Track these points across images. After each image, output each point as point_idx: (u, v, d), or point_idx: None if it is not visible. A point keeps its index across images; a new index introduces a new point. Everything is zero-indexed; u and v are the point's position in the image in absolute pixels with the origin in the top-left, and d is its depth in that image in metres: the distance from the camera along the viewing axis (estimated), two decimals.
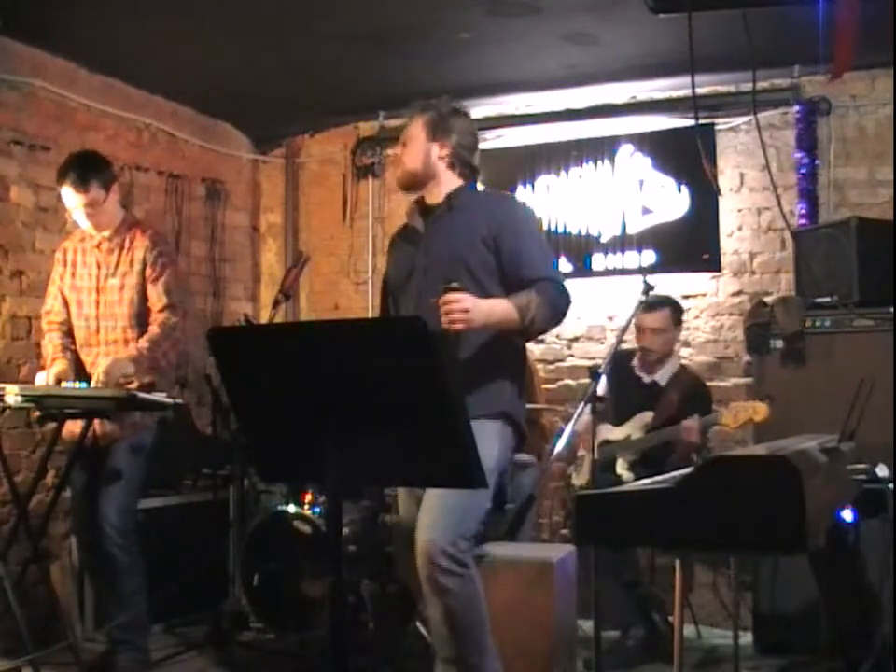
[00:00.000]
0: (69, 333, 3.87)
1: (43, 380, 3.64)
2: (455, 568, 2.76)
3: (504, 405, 2.97)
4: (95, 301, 3.81)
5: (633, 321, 3.94)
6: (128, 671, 3.73)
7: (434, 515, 2.81)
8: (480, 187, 3.26)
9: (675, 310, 4.46)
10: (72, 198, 3.74)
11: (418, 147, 3.09)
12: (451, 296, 2.74)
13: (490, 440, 2.86)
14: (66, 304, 3.87)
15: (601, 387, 3.59)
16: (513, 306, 2.84)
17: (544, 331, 3.05)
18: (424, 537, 2.80)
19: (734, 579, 3.82)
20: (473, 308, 2.74)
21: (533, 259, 2.95)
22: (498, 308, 2.84)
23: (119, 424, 3.70)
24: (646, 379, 4.48)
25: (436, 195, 3.09)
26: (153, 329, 3.72)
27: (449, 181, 3.09)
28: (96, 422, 3.67)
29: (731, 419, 4.02)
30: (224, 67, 4.97)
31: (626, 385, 4.47)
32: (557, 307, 2.93)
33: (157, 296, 3.75)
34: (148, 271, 3.76)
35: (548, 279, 2.92)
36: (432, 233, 3.06)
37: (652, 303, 4.28)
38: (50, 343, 3.88)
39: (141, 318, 3.77)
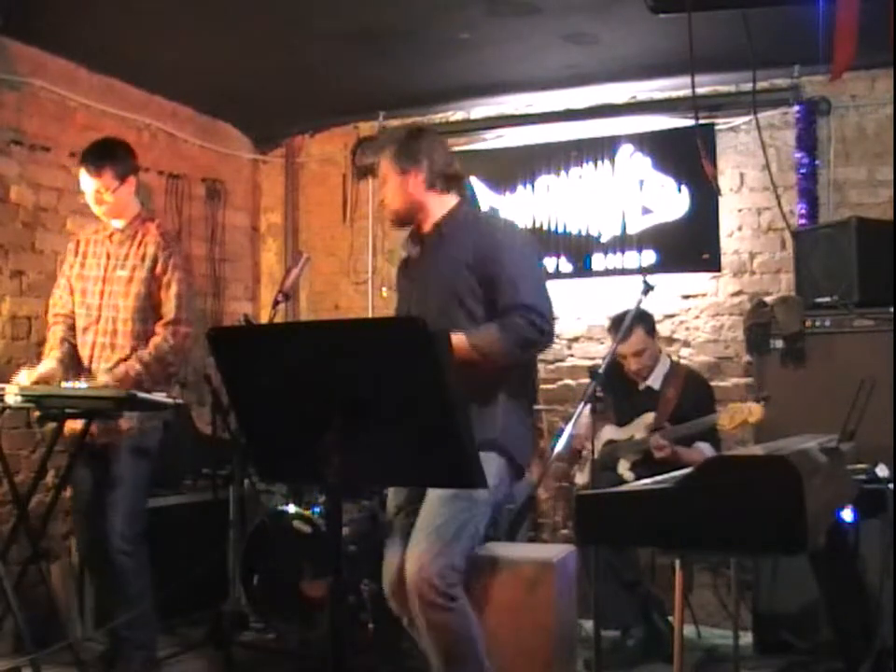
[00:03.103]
0: (73, 326, 3.86)
1: (24, 379, 3.60)
2: (444, 602, 2.75)
3: (495, 433, 2.88)
4: (100, 290, 3.79)
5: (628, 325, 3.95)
6: (134, 670, 3.73)
7: (423, 546, 2.78)
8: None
9: (645, 323, 4.39)
10: (85, 181, 3.75)
11: (394, 185, 3.06)
12: None
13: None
14: (72, 293, 3.87)
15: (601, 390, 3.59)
16: (468, 342, 2.78)
17: (511, 362, 2.91)
18: (413, 568, 2.77)
19: (734, 579, 3.82)
20: None
21: (511, 286, 2.87)
22: (455, 347, 2.66)
23: (122, 426, 3.69)
24: (641, 386, 4.49)
25: (428, 223, 3.07)
26: (150, 346, 3.69)
27: (436, 204, 3.06)
28: (97, 424, 3.67)
29: (727, 420, 4.02)
30: (224, 67, 4.97)
31: (623, 390, 4.47)
32: (523, 337, 2.83)
33: (167, 307, 3.73)
34: (159, 269, 3.74)
35: (522, 307, 2.83)
36: (424, 263, 3.06)
37: (624, 330, 4.31)
38: (52, 335, 3.88)
39: (145, 314, 3.75)
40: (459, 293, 2.93)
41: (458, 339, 2.77)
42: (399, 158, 3.04)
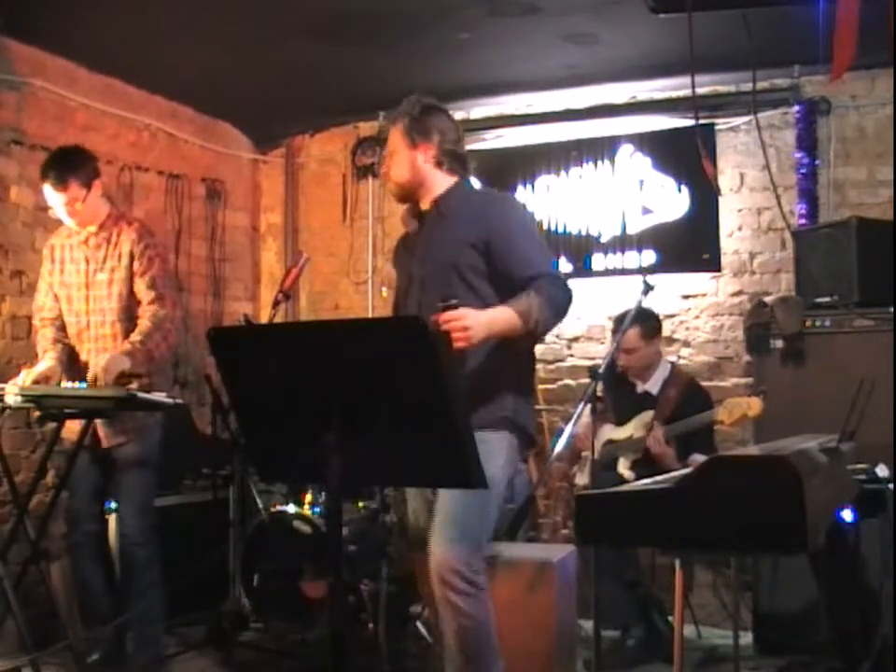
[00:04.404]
0: (63, 328, 3.85)
1: (23, 379, 3.59)
2: (469, 589, 2.75)
3: (507, 411, 2.92)
4: (84, 296, 3.79)
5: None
6: (142, 663, 3.74)
7: (449, 532, 2.77)
8: (474, 181, 3.21)
9: (643, 325, 4.33)
10: (52, 196, 3.72)
11: (402, 158, 3.04)
12: (449, 314, 2.65)
13: (494, 453, 2.83)
14: (57, 300, 3.86)
15: (600, 388, 3.59)
16: (514, 312, 2.77)
17: (550, 330, 2.99)
18: (439, 554, 2.77)
19: (734, 579, 3.82)
20: (473, 324, 2.66)
21: (526, 258, 2.88)
22: (499, 318, 2.76)
23: (124, 427, 3.69)
24: (639, 388, 4.48)
25: (427, 199, 3.06)
26: (143, 322, 3.69)
27: (440, 181, 3.04)
28: (100, 427, 3.68)
29: (726, 416, 4.00)
30: (224, 67, 4.97)
31: (622, 390, 4.46)
32: (559, 304, 2.85)
33: (144, 289, 3.72)
34: (136, 264, 3.73)
35: (544, 275, 2.85)
36: (424, 241, 3.04)
37: (622, 328, 4.31)
38: (43, 337, 3.87)
39: (130, 312, 3.75)
40: (462, 271, 2.92)
41: (503, 310, 2.78)
42: (412, 130, 3.02)
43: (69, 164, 3.72)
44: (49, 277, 3.88)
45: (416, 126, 3.03)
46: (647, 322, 4.38)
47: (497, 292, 2.92)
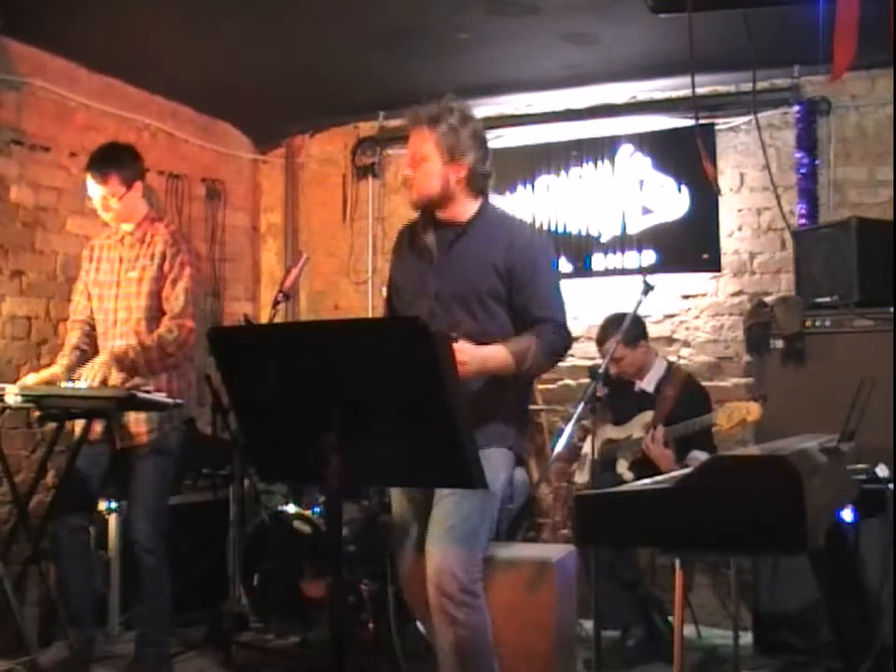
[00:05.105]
0: (89, 331, 3.88)
1: (30, 380, 3.63)
2: (467, 599, 2.75)
3: (510, 441, 2.98)
4: (115, 294, 3.81)
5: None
6: (147, 664, 3.74)
7: (446, 540, 2.77)
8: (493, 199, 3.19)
9: (626, 334, 4.03)
10: (92, 188, 3.78)
11: (433, 171, 2.93)
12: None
13: (498, 466, 2.88)
14: (90, 299, 3.89)
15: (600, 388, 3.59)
16: (510, 354, 2.81)
17: (541, 375, 3.07)
18: (437, 562, 2.77)
19: (734, 579, 3.82)
20: (469, 359, 2.70)
21: (542, 298, 2.91)
22: (494, 358, 2.80)
23: (142, 430, 3.70)
24: (636, 388, 4.48)
25: (450, 212, 3.01)
26: (153, 336, 3.68)
27: (465, 201, 3.00)
28: (116, 430, 3.69)
29: (724, 420, 4.00)
30: (224, 67, 4.97)
31: (620, 390, 4.46)
32: (555, 352, 2.93)
33: (175, 301, 3.72)
34: (167, 266, 3.74)
35: (551, 321, 2.89)
36: (446, 256, 2.99)
37: (599, 335, 4.32)
38: (67, 341, 3.91)
39: (155, 312, 3.76)
40: (482, 294, 2.92)
41: (500, 350, 2.83)
42: (449, 146, 2.91)
43: (113, 160, 3.77)
44: (86, 277, 3.91)
45: (453, 140, 2.92)
46: (627, 331, 4.30)
47: (512, 319, 2.95)
